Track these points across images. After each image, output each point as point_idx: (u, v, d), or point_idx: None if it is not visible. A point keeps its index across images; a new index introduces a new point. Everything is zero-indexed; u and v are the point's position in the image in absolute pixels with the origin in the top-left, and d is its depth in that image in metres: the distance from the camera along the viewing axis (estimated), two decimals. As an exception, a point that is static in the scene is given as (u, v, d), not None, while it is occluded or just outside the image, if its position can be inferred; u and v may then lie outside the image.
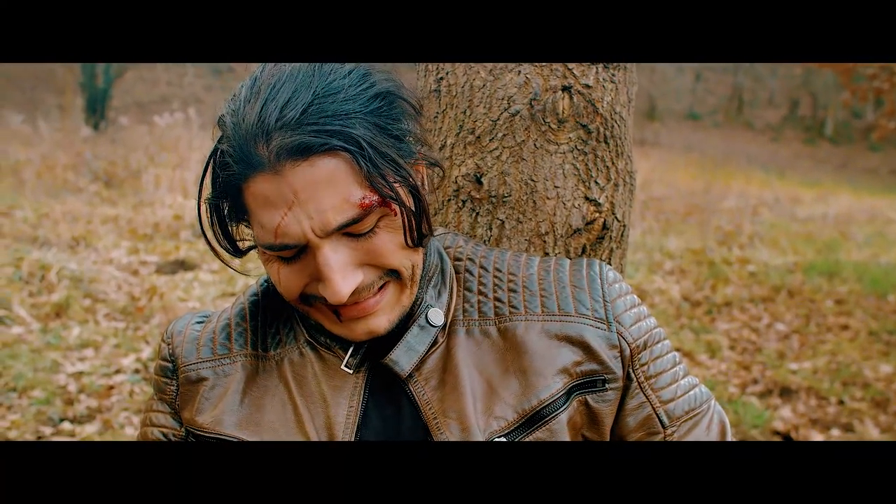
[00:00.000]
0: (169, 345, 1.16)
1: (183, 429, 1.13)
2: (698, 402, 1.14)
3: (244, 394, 1.11)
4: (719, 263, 7.25)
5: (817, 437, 3.78)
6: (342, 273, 0.95)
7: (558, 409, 1.06)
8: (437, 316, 1.08)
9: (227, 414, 1.09)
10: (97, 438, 3.23)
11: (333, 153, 0.91)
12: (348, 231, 0.94)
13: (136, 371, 3.95)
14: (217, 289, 5.53)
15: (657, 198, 11.07)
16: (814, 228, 9.73)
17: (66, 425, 3.38)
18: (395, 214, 0.96)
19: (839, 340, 5.29)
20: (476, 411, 1.04)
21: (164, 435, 1.14)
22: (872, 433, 3.80)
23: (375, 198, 0.93)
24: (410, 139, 0.99)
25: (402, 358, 1.06)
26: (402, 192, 0.97)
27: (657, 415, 1.11)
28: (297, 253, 0.96)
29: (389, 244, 0.97)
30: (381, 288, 1.01)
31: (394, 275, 1.01)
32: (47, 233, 6.46)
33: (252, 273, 1.11)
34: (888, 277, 6.92)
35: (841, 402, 4.23)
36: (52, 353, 4.11)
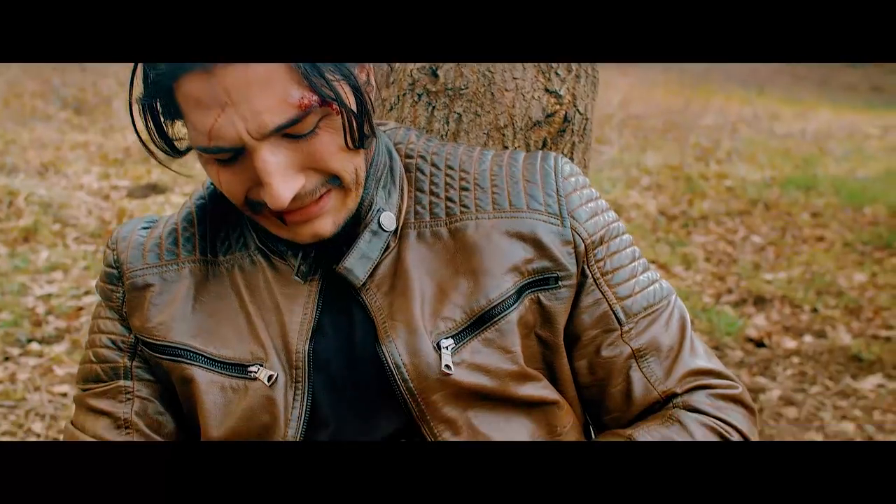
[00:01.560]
0: (114, 251, 1.13)
1: (132, 335, 1.10)
2: (657, 298, 1.11)
3: (195, 300, 1.08)
4: (696, 178, 7.23)
5: (790, 343, 3.81)
6: (282, 177, 0.90)
7: (508, 309, 1.03)
8: (389, 220, 1.04)
9: (176, 321, 1.06)
10: (66, 358, 3.22)
11: None
12: (287, 133, 0.89)
13: (107, 293, 3.93)
14: (189, 212, 5.47)
15: (635, 115, 10.98)
16: (792, 144, 9.69)
17: (35, 346, 3.38)
18: (337, 114, 0.91)
19: (814, 251, 5.31)
20: (424, 314, 1.01)
21: (113, 342, 1.11)
22: (844, 338, 3.84)
23: (315, 98, 0.88)
24: None
25: (356, 266, 1.02)
26: (344, 92, 0.91)
27: (614, 311, 1.08)
28: (235, 155, 0.91)
29: (331, 146, 0.92)
30: (323, 195, 0.97)
31: (336, 182, 0.96)
32: (15, 159, 6.34)
33: (196, 177, 1.07)
34: (865, 191, 6.93)
35: (814, 310, 4.26)
36: (21, 277, 4.06)
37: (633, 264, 1.12)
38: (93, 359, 1.12)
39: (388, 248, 1.05)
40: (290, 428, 1.00)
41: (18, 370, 3.16)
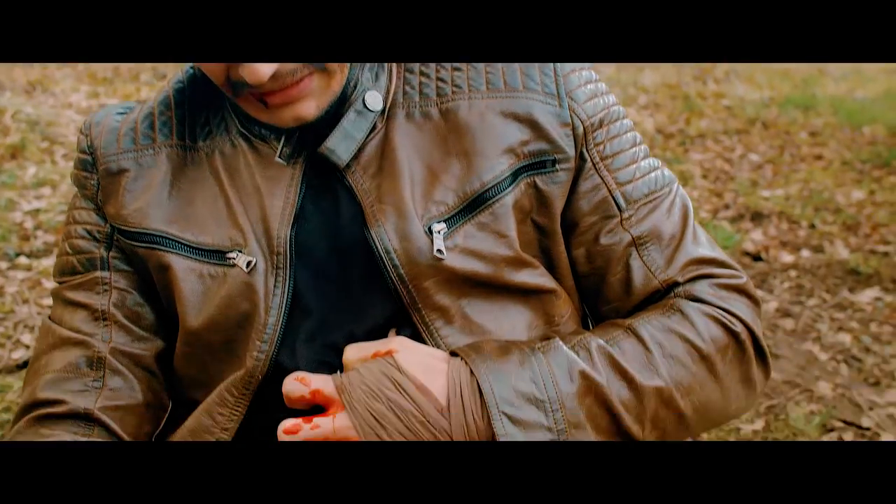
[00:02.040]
0: (87, 136, 1.08)
1: (107, 225, 1.05)
2: (659, 185, 1.06)
3: (172, 186, 1.03)
4: (694, 97, 7.15)
5: (787, 257, 3.79)
6: None
7: (503, 192, 0.97)
8: (374, 100, 0.98)
9: (152, 207, 1.02)
10: (53, 271, 3.23)
11: None
12: None
13: (96, 206, 3.93)
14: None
15: (633, 35, 10.86)
16: (791, 65, 9.58)
17: (23, 260, 3.37)
18: None
19: (812, 169, 5.26)
20: (414, 197, 0.96)
21: (88, 232, 1.06)
22: (842, 253, 3.81)
23: None
24: None
25: (339, 146, 0.96)
26: None
27: (613, 197, 1.03)
28: None
29: None
30: (304, 77, 0.91)
31: (318, 65, 0.91)
32: (1, 77, 6.26)
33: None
34: (864, 111, 6.83)
35: (812, 226, 4.23)
36: (8, 193, 4.04)
37: (633, 149, 1.06)
38: (68, 250, 1.08)
39: (374, 129, 1.00)
40: (271, 316, 0.96)
41: (7, 283, 3.15)
